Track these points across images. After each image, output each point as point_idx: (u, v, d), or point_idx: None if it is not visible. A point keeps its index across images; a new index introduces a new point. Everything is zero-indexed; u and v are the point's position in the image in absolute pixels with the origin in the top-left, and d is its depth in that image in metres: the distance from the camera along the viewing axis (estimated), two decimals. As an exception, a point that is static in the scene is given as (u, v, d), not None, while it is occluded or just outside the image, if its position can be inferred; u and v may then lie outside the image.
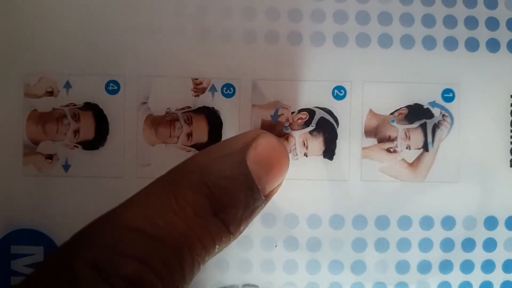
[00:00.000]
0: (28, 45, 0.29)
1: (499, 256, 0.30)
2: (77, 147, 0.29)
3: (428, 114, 0.31)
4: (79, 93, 0.29)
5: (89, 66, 0.29)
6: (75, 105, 0.29)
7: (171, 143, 0.30)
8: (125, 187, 0.29)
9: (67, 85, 0.29)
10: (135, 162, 0.29)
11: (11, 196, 0.29)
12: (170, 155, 0.30)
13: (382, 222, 0.30)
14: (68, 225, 0.27)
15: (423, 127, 0.31)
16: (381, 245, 0.30)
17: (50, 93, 0.29)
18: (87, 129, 0.29)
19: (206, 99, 0.30)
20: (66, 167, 0.29)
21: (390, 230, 0.30)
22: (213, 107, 0.30)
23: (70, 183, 0.29)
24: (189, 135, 0.30)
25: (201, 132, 0.30)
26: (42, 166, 0.29)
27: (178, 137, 0.29)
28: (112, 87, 0.29)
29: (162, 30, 0.29)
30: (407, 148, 0.30)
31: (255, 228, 0.30)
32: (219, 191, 0.21)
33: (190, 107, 0.30)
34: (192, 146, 0.30)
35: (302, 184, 0.30)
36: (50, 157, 0.29)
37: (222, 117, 0.30)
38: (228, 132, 0.30)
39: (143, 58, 0.29)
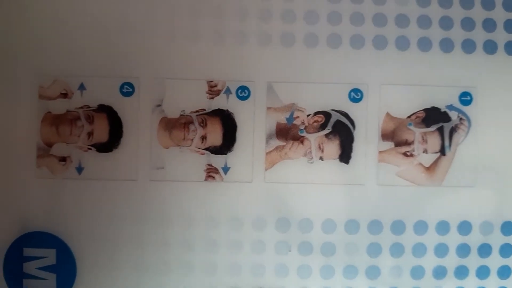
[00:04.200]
0: (42, 47, 0.29)
1: (516, 262, 0.30)
2: (91, 149, 0.29)
3: (445, 117, 0.30)
4: (93, 95, 0.29)
5: (103, 68, 0.29)
6: (89, 107, 0.29)
7: (185, 145, 0.30)
8: (138, 190, 0.29)
9: (81, 87, 0.29)
10: (149, 165, 0.29)
11: (24, 198, 0.29)
12: (184, 158, 0.30)
13: (398, 227, 0.30)
14: (81, 228, 0.29)
15: (440, 130, 0.30)
16: (396, 250, 0.30)
17: (64, 95, 0.29)
18: (101, 131, 0.29)
19: (220, 102, 0.30)
20: (80, 169, 0.29)
21: (405, 235, 0.30)
22: (227, 110, 0.30)
23: (83, 185, 0.29)
24: (204, 137, 0.30)
25: (215, 134, 0.30)
26: (55, 168, 0.29)
27: (192, 140, 0.30)
28: (127, 89, 0.29)
29: (177, 32, 0.30)
30: (424, 152, 0.30)
31: (268, 233, 0.30)
32: None
33: (205, 110, 0.30)
34: (206, 149, 0.30)
35: (317, 188, 0.30)
36: (63, 159, 0.29)
37: (236, 119, 0.30)
38: (243, 135, 0.30)
39: (158, 60, 0.29)
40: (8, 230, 0.29)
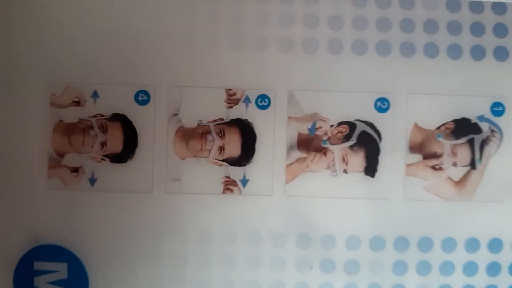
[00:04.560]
0: (53, 54, 0.29)
1: (549, 281, 0.29)
2: (104, 160, 0.29)
3: (476, 129, 0.29)
4: (107, 104, 0.29)
5: (118, 75, 0.29)
6: (102, 115, 0.29)
7: (202, 156, 0.29)
8: (153, 203, 0.29)
9: (95, 95, 0.29)
10: (164, 176, 0.29)
11: (35, 210, 0.29)
12: (201, 169, 0.29)
13: (425, 244, 0.29)
14: (93, 242, 0.29)
15: (471, 143, 0.29)
16: (423, 268, 0.29)
17: (77, 103, 0.29)
18: (115, 141, 0.29)
19: (239, 111, 0.29)
20: (92, 180, 0.29)
21: (433, 253, 0.29)
22: (246, 119, 0.29)
23: (96, 197, 0.29)
24: (221, 148, 0.29)
25: (234, 145, 0.29)
26: (67, 179, 0.29)
27: (209, 151, 0.29)
28: (142, 97, 0.29)
29: (195, 38, 0.29)
30: (453, 165, 0.29)
31: (289, 249, 0.29)
32: None
33: (223, 119, 0.29)
34: (224, 160, 0.29)
35: (340, 203, 0.29)
36: (75, 170, 0.29)
37: (256, 129, 0.29)
38: (263, 145, 0.29)
39: (175, 68, 0.29)
40: (19, 243, 0.29)
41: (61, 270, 0.29)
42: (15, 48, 0.29)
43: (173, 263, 0.29)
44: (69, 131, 0.29)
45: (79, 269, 0.29)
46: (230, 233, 0.29)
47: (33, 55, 0.29)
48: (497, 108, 0.29)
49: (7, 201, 0.29)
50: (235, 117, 0.29)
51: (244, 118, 0.29)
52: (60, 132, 0.29)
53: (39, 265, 0.29)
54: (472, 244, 0.29)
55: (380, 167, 0.29)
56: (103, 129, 0.29)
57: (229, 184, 0.29)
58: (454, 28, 0.29)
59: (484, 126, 0.29)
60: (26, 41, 0.29)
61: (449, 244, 0.29)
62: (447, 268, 0.29)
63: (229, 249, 0.29)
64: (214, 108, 0.29)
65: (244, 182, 0.29)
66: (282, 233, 0.29)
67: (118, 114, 0.29)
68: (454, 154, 0.29)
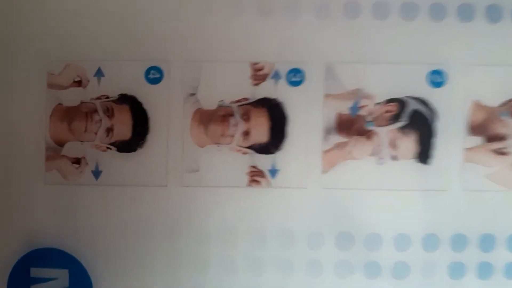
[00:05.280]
0: (50, 26, 0.28)
1: None
2: (110, 149, 0.28)
3: None
4: (113, 83, 0.28)
5: (125, 50, 0.28)
6: (108, 97, 0.28)
7: (224, 143, 0.28)
8: (168, 198, 0.28)
9: (99, 73, 0.28)
10: (181, 167, 0.28)
11: (31, 209, 0.28)
12: (223, 158, 0.28)
13: (487, 242, 0.28)
14: (98, 245, 0.28)
15: None
16: (485, 270, 0.28)
17: (78, 83, 0.28)
18: (123, 127, 0.28)
19: (267, 89, 0.28)
20: (97, 173, 0.28)
21: (496, 252, 0.28)
22: (276, 99, 0.28)
23: (101, 193, 0.28)
24: (246, 133, 0.28)
25: (261, 129, 0.28)
26: (67, 172, 0.28)
27: (232, 136, 0.28)
28: (154, 75, 0.28)
29: (213, 5, 0.28)
30: None
31: (327, 251, 0.28)
32: None
33: (248, 99, 0.28)
34: (249, 147, 0.28)
35: (388, 196, 0.28)
36: (77, 161, 0.28)
37: (287, 110, 0.28)
38: (295, 129, 0.28)
39: (191, 40, 0.28)
40: (13, 247, 0.28)
41: (61, 277, 0.28)
42: (7, 21, 0.28)
43: (192, 268, 0.28)
44: (70, 115, 0.28)
45: (81, 276, 0.28)
46: (258, 232, 0.28)
47: (27, 28, 0.28)
48: None
49: (0, 199, 0.28)
50: (262, 96, 0.28)
51: (273, 97, 0.28)
52: (59, 118, 0.28)
53: (36, 272, 0.28)
54: (542, 242, 0.28)
55: (435, 153, 0.28)
56: (109, 112, 0.28)
57: (255, 175, 0.28)
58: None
59: (556, 102, 0.28)
60: (20, 13, 0.28)
61: (514, 242, 0.28)
62: (512, 270, 0.29)
63: (256, 252, 0.28)
64: (238, 86, 0.28)
65: (273, 172, 0.28)
66: (318, 232, 0.28)
67: (126, 95, 0.28)
68: (521, 136, 0.28)
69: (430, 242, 0.28)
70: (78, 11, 0.27)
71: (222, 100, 0.28)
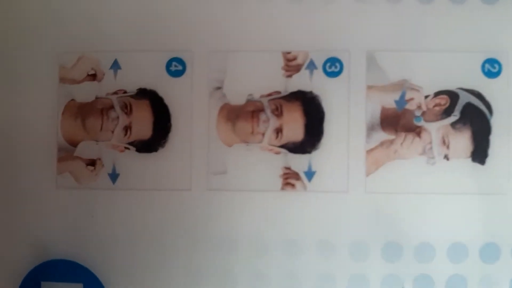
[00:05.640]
0: (62, 15, 0.27)
1: None
2: (129, 149, 0.27)
3: None
4: (131, 76, 0.27)
5: (144, 39, 0.26)
6: (125, 92, 0.27)
7: (254, 142, 0.26)
8: (192, 203, 0.26)
9: (115, 66, 0.27)
10: (206, 169, 0.26)
11: (41, 216, 0.26)
12: (253, 158, 0.26)
13: None
14: (115, 256, 0.26)
15: None
16: None
17: (93, 77, 0.27)
18: (142, 124, 0.26)
19: (301, 81, 0.26)
20: (114, 176, 0.27)
21: None
22: (311, 92, 0.26)
23: (118, 198, 0.27)
24: (279, 130, 0.26)
25: (294, 126, 0.26)
26: (81, 175, 0.27)
27: (263, 134, 0.26)
28: (176, 67, 0.26)
29: None
30: None
31: (372, 264, 0.26)
32: None
33: (280, 92, 0.26)
34: (282, 146, 0.26)
35: (440, 200, 0.26)
36: (92, 162, 0.27)
37: (324, 105, 0.26)
38: (333, 126, 0.26)
39: (216, 28, 0.26)
40: (21, 259, 0.26)
41: (74, 292, 0.27)
42: (17, 10, 0.26)
43: (217, 282, 0.26)
44: (83, 113, 0.27)
45: (97, 291, 0.27)
46: (292, 242, 0.26)
47: (36, 17, 0.27)
48: None
49: (7, 204, 0.26)
50: (296, 89, 0.26)
51: (308, 90, 0.26)
52: (71, 115, 0.27)
53: (47, 286, 0.26)
54: None
55: (492, 151, 0.26)
56: (127, 109, 0.27)
57: (289, 178, 0.26)
58: None
59: None
60: (30, 4, 0.26)
61: None
62: None
63: (291, 264, 0.26)
64: (269, 78, 0.26)
65: (310, 174, 0.26)
66: (362, 242, 0.26)
67: (145, 89, 0.27)
68: None
69: (489, 252, 0.26)
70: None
71: (251, 94, 0.26)
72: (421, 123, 0.26)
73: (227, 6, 0.26)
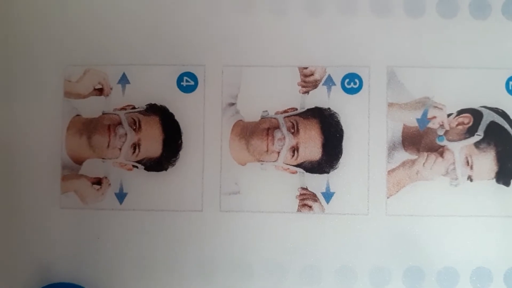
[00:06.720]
0: (69, 27, 0.26)
1: None
2: (137, 167, 0.26)
3: None
4: (140, 91, 0.26)
5: (154, 53, 0.26)
6: (134, 107, 0.26)
7: (268, 160, 0.26)
8: (204, 225, 0.25)
9: (123, 80, 0.26)
10: (218, 189, 0.26)
11: (45, 237, 0.26)
12: (268, 178, 0.25)
13: None
14: (121, 280, 0.25)
15: None
16: None
17: (99, 92, 0.26)
18: (152, 142, 0.26)
19: (319, 97, 0.25)
20: (121, 196, 0.26)
21: None
22: (329, 108, 0.25)
23: (126, 219, 0.26)
24: (295, 149, 0.25)
25: (312, 144, 0.25)
26: (87, 194, 0.26)
27: (278, 153, 0.26)
28: (187, 82, 0.26)
29: (256, 1, 0.25)
30: None
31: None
32: None
33: (296, 109, 0.26)
34: (299, 165, 0.25)
35: (464, 223, 0.25)
36: (98, 181, 0.26)
37: (342, 122, 0.25)
38: (352, 144, 0.25)
39: (230, 42, 0.26)
40: (23, 282, 0.25)
41: (79, 318, 0.26)
42: (21, 22, 0.26)
43: None
44: (89, 129, 0.26)
45: (103, 319, 0.26)
46: (310, 266, 0.25)
47: (41, 29, 0.26)
48: None
49: (10, 225, 0.25)
50: (313, 106, 0.26)
51: (325, 106, 0.26)
52: (77, 131, 0.26)
53: None
54: None
55: None
56: (135, 125, 0.26)
57: (306, 199, 0.26)
58: None
59: None
60: (32, 12, 0.26)
61: None
62: None
63: None
64: (284, 94, 0.25)
65: (328, 196, 0.25)
66: (383, 267, 0.25)
67: (155, 105, 0.26)
68: None
69: (514, 277, 0.26)
70: (99, 8, 0.26)
71: (266, 111, 0.26)
72: (444, 142, 0.25)
73: (241, 18, 0.26)
